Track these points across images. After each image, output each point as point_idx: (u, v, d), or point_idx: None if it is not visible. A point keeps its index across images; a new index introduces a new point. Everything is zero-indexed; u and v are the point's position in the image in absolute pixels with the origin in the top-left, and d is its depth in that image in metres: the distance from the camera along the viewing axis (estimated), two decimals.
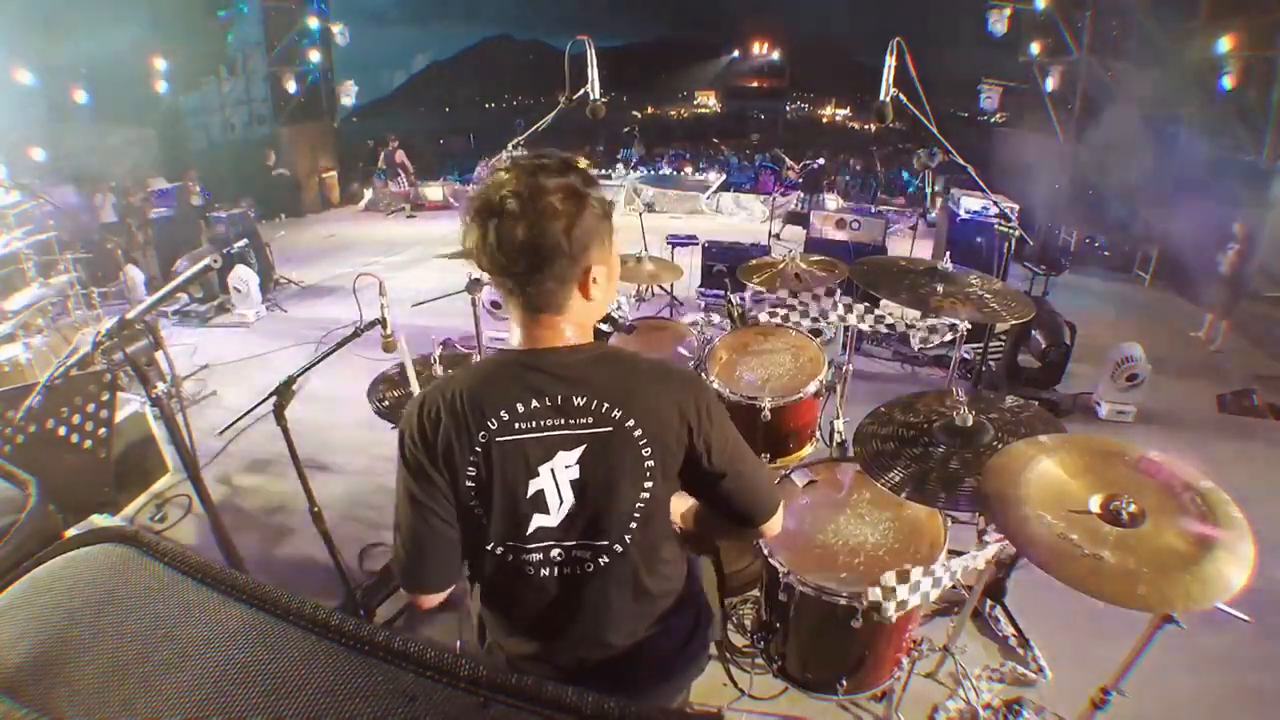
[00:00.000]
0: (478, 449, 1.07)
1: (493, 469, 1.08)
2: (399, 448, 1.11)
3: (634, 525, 1.13)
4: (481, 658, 1.38)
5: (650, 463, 1.10)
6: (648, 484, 1.11)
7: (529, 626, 1.21)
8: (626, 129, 12.58)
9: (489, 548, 1.14)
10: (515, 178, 1.01)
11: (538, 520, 1.10)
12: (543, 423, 1.07)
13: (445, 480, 1.09)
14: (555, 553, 1.13)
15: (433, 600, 1.17)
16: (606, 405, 1.07)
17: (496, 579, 1.18)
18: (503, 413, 1.07)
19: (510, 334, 1.15)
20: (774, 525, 1.26)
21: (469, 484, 1.09)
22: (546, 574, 1.14)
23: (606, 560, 1.14)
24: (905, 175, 12.83)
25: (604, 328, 1.61)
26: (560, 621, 1.19)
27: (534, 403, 1.07)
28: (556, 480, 1.09)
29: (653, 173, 13.31)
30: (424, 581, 1.15)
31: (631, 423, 1.08)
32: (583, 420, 1.07)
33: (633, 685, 1.26)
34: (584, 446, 1.08)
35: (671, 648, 1.30)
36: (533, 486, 1.09)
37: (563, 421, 1.07)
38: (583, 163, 1.09)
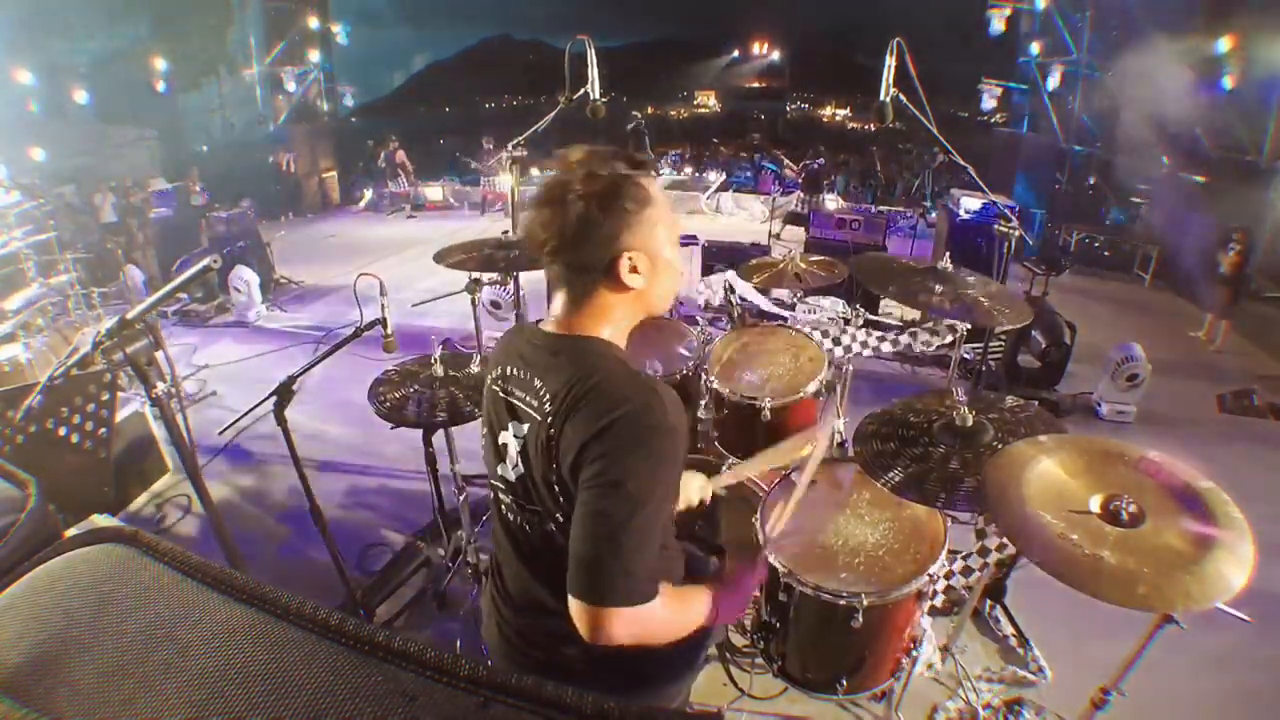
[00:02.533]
0: (485, 389, 1.27)
1: (487, 411, 1.26)
2: None
3: (560, 516, 1.11)
4: (480, 657, 1.38)
5: (556, 469, 1.08)
6: (558, 489, 1.10)
7: (511, 573, 1.29)
8: (631, 126, 11.70)
9: (489, 477, 1.29)
10: (562, 168, 1.10)
11: (501, 468, 1.23)
12: (513, 389, 1.19)
13: None
14: (515, 502, 1.22)
15: None
16: (548, 398, 1.10)
17: (493, 510, 1.32)
18: (497, 369, 1.23)
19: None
20: (599, 623, 1.00)
21: (483, 412, 1.28)
22: (511, 519, 1.24)
23: (551, 528, 1.16)
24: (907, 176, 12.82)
25: None
26: (520, 575, 1.25)
27: (514, 371, 1.19)
28: (515, 442, 1.19)
29: (656, 175, 13.27)
30: None
31: (550, 419, 1.08)
32: (531, 401, 1.15)
33: (622, 681, 1.23)
34: (527, 425, 1.16)
35: (656, 651, 1.19)
36: (501, 437, 1.22)
37: (524, 396, 1.17)
38: (645, 159, 1.15)
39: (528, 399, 1.15)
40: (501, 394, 1.21)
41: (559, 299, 1.17)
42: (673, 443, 1.05)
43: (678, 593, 1.17)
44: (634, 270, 1.11)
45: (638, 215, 1.09)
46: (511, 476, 1.20)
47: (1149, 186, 8.62)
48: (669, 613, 1.11)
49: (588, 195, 1.06)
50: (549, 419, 1.09)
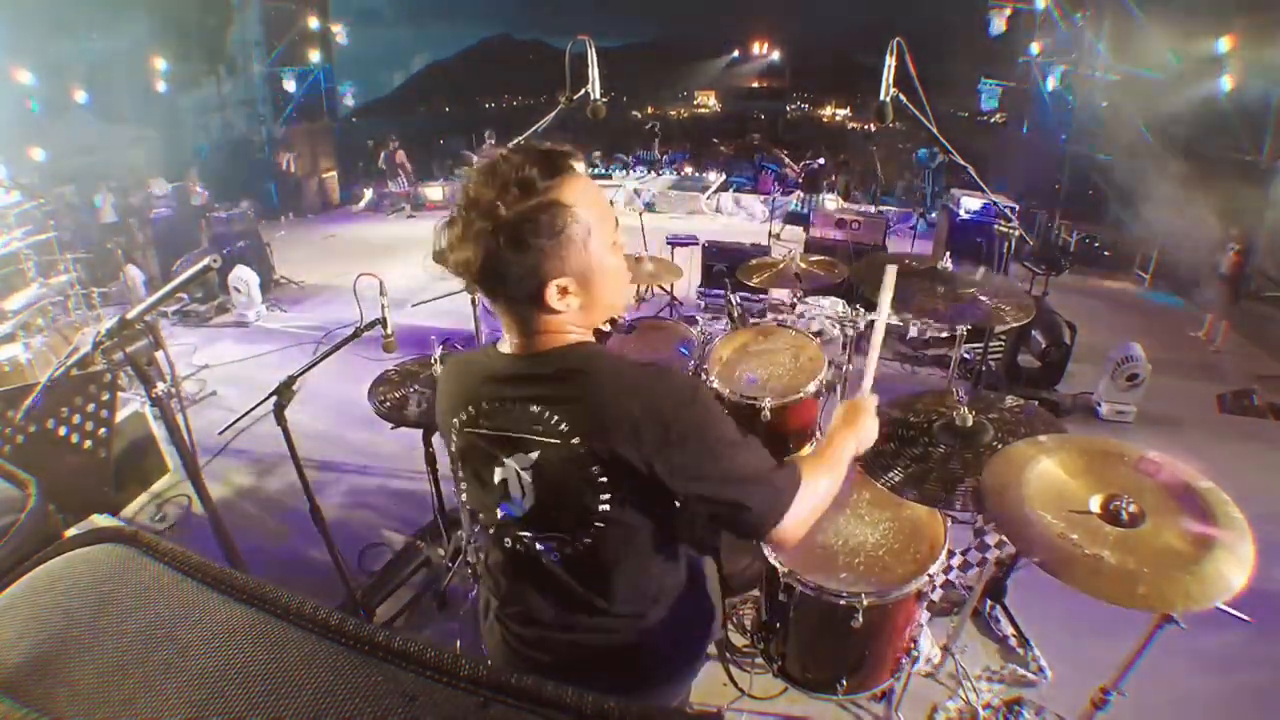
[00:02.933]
0: (452, 431, 1.19)
1: (464, 453, 1.19)
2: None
3: (595, 531, 1.11)
4: (480, 657, 1.38)
5: (603, 479, 1.06)
6: (604, 497, 1.07)
7: (516, 599, 1.26)
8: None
9: (480, 517, 1.23)
10: (469, 186, 1.01)
11: (504, 507, 1.16)
12: (500, 423, 1.11)
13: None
14: (524, 535, 1.17)
15: None
16: (557, 419, 1.06)
17: (488, 546, 1.27)
18: (470, 407, 1.14)
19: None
20: (782, 537, 1.12)
21: (452, 455, 1.22)
22: (520, 551, 1.19)
23: (570, 553, 1.14)
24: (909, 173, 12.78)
25: (603, 328, 1.60)
26: (531, 603, 1.23)
27: (497, 403, 1.11)
28: (519, 475, 1.12)
29: (659, 174, 13.28)
30: None
31: (577, 440, 1.05)
32: (535, 428, 1.08)
33: (626, 684, 1.25)
34: (538, 452, 1.09)
35: (669, 645, 1.29)
36: (498, 474, 1.14)
37: (520, 425, 1.09)
38: (563, 151, 1.04)
39: (528, 425, 1.08)
40: (487, 432, 1.13)
41: (505, 322, 1.11)
42: (706, 391, 1.12)
43: (815, 460, 1.23)
44: (564, 294, 1.04)
45: (557, 243, 1.00)
46: (519, 511, 1.14)
47: (1148, 186, 8.62)
48: (819, 480, 1.18)
49: (497, 230, 0.97)
50: (575, 438, 1.05)
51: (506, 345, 1.13)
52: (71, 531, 1.74)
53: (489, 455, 1.13)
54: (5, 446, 2.56)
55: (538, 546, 1.16)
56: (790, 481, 1.12)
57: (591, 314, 1.12)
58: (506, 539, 1.19)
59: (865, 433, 1.35)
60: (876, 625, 1.81)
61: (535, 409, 1.07)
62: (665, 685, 1.33)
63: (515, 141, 3.27)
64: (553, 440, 1.07)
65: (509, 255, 0.99)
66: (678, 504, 1.12)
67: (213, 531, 2.06)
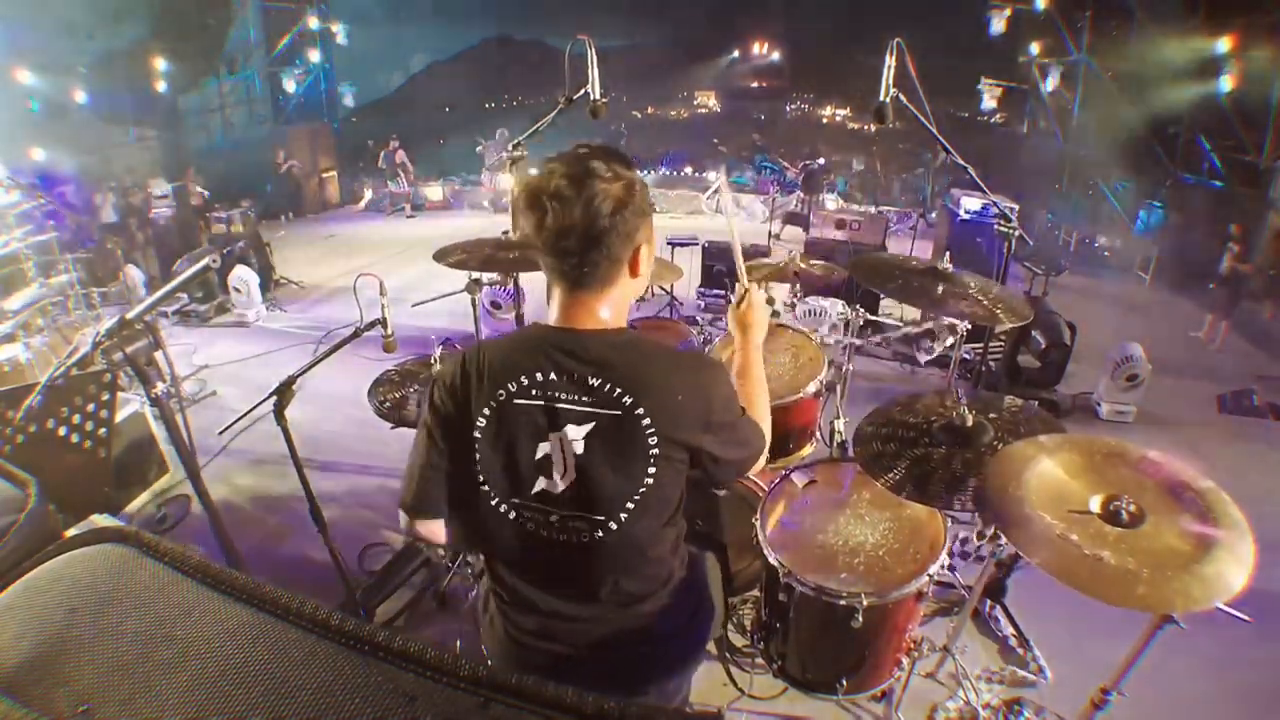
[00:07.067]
0: (493, 404, 1.16)
1: (503, 427, 1.16)
2: (429, 392, 1.24)
3: (631, 507, 1.16)
4: (480, 657, 1.38)
5: (655, 451, 1.14)
6: (651, 470, 1.15)
7: (528, 588, 1.26)
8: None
9: (494, 503, 1.20)
10: (565, 164, 1.11)
11: (541, 483, 1.16)
12: (556, 394, 1.14)
13: (460, 427, 1.19)
14: (554, 518, 1.18)
15: (426, 528, 1.27)
16: (619, 391, 1.12)
17: (500, 535, 1.23)
18: (522, 378, 1.15)
19: (548, 310, 1.22)
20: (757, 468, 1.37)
21: (477, 435, 1.17)
22: (546, 536, 1.20)
23: (600, 535, 1.17)
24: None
25: None
26: (554, 586, 1.24)
27: (551, 374, 1.14)
28: (564, 450, 1.14)
29: (651, 174, 13.29)
30: (420, 505, 1.24)
31: (640, 411, 1.12)
32: (594, 399, 1.13)
33: (627, 671, 1.26)
34: (593, 424, 1.13)
35: (667, 633, 1.30)
36: (540, 450, 1.15)
37: (575, 397, 1.13)
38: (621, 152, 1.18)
39: (583, 397, 1.13)
40: (540, 403, 1.14)
41: (573, 296, 1.17)
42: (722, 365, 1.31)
43: (757, 397, 1.44)
44: (641, 260, 1.20)
45: (648, 213, 1.19)
46: (557, 489, 1.15)
47: (1147, 186, 8.63)
48: (766, 415, 1.42)
49: (613, 194, 1.10)
50: (639, 409, 1.12)
51: (568, 321, 1.19)
52: (71, 531, 1.74)
53: (535, 428, 1.15)
54: (5, 446, 2.56)
55: (571, 524, 1.18)
56: (761, 436, 1.34)
57: (637, 288, 1.25)
58: (529, 520, 1.19)
59: (761, 331, 1.55)
60: (876, 625, 1.81)
61: (594, 381, 1.13)
62: (667, 675, 1.33)
63: (516, 141, 3.27)
64: (613, 411, 1.12)
65: (619, 218, 1.11)
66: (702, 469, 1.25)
67: (213, 531, 2.06)
